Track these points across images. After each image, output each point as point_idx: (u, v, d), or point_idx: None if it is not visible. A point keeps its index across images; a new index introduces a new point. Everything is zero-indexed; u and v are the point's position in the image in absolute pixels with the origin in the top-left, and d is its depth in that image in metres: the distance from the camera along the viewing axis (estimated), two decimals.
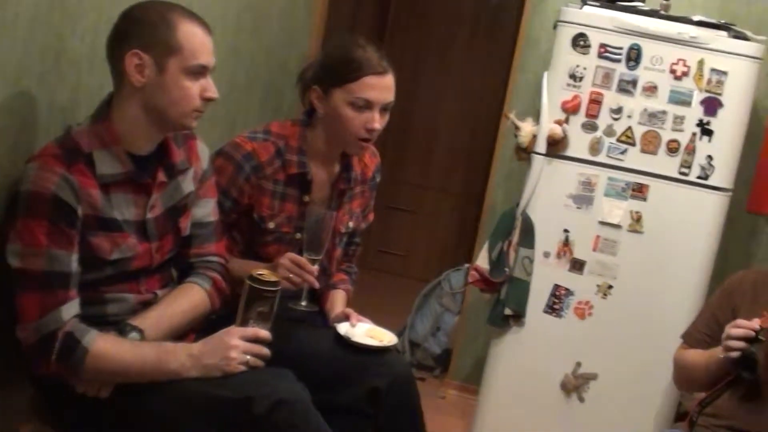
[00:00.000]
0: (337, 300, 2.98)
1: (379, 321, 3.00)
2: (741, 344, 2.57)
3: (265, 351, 2.36)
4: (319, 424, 2.38)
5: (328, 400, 2.64)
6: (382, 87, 2.64)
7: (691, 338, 2.92)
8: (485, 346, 3.82)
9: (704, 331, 2.87)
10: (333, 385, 2.69)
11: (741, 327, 2.59)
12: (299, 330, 2.75)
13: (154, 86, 2.18)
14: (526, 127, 3.51)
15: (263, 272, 2.35)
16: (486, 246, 3.59)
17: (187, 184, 2.42)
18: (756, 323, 2.55)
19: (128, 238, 2.24)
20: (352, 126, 2.66)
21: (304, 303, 2.72)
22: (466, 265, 3.70)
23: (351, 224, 2.94)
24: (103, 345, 2.13)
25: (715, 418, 2.73)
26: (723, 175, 3.53)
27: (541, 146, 3.49)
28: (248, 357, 2.30)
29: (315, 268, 2.64)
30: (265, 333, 2.37)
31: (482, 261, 3.58)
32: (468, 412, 4.07)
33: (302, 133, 2.75)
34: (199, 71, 2.23)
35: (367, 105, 2.63)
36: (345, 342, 2.75)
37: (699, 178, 3.52)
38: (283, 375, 2.40)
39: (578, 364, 3.65)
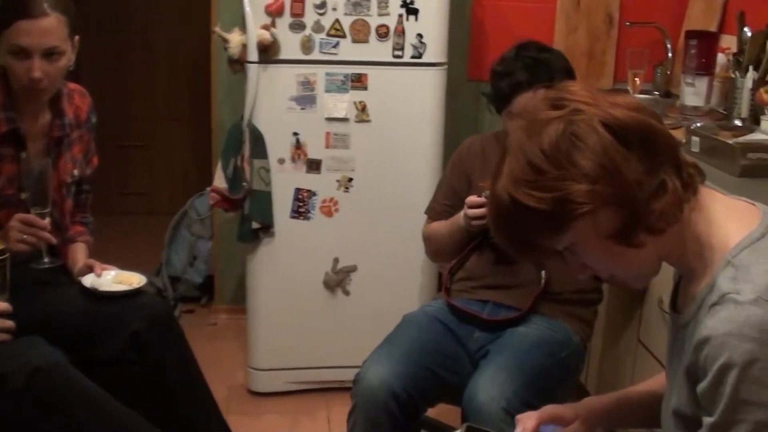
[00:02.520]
0: (78, 253, 2.88)
1: (132, 264, 2.94)
2: (479, 219, 2.67)
3: (8, 323, 2.26)
4: (81, 384, 2.33)
5: (89, 356, 2.59)
6: (37, 31, 2.46)
7: (433, 212, 3.01)
8: (244, 264, 3.80)
9: (445, 202, 2.97)
10: (90, 340, 2.62)
11: (473, 206, 2.69)
12: (44, 293, 2.65)
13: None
14: (234, 38, 3.44)
15: None
16: (219, 165, 3.53)
17: None
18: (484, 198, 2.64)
19: None
20: (15, 75, 2.52)
21: (46, 260, 2.63)
22: (208, 189, 3.63)
23: (76, 172, 2.83)
24: None
25: (469, 280, 2.84)
26: (435, 50, 3.57)
27: (253, 54, 3.43)
28: None
29: (46, 222, 2.53)
30: (3, 305, 2.27)
31: (219, 181, 3.53)
32: (241, 332, 4.06)
33: (3, 86, 2.59)
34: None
35: (24, 52, 2.47)
36: (93, 294, 2.68)
37: (413, 57, 3.55)
38: (33, 343, 2.32)
39: (336, 260, 3.69)
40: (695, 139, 3.00)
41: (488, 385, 2.41)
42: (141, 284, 2.75)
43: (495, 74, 2.76)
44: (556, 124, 1.43)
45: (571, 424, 1.80)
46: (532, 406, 2.40)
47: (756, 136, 2.93)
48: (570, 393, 2.77)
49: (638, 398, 1.86)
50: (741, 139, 2.88)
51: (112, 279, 2.76)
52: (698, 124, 3.14)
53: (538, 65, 2.68)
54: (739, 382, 1.31)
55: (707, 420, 1.37)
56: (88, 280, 2.72)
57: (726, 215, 1.49)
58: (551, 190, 1.40)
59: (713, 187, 1.57)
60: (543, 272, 2.74)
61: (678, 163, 1.47)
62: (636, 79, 3.69)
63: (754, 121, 3.18)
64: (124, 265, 2.87)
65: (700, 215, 1.49)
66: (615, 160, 1.40)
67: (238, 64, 3.50)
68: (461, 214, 2.77)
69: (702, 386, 1.37)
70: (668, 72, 4.08)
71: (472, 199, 2.70)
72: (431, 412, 2.71)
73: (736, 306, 1.34)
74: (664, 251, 1.49)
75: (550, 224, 1.43)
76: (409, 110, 3.61)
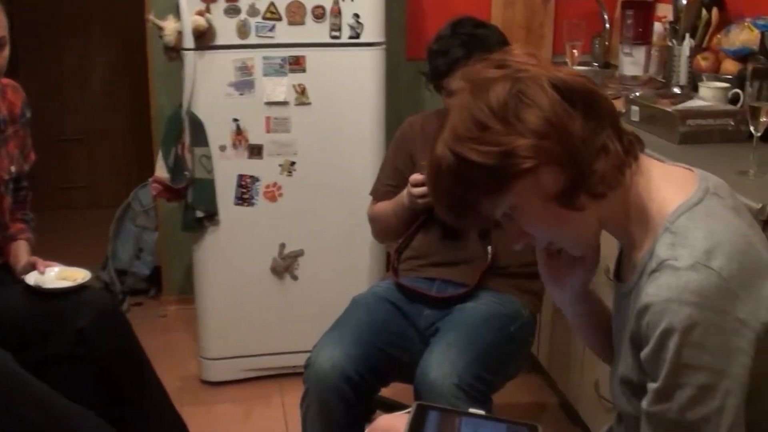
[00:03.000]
0: (20, 251, 2.85)
1: (77, 259, 2.91)
2: (423, 197, 2.67)
3: None
4: (30, 384, 2.30)
5: (37, 355, 2.56)
6: None
7: (378, 193, 3.01)
8: (191, 253, 3.77)
9: (389, 183, 2.97)
10: (37, 338, 2.59)
11: (417, 184, 2.69)
12: None
13: None
14: (169, 25, 3.39)
15: None
16: (160, 155, 3.50)
17: None
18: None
19: None
20: None
21: None
22: (150, 179, 3.59)
23: (13, 168, 2.79)
24: None
25: (416, 259, 2.85)
26: (373, 30, 3.55)
27: (189, 41, 3.39)
28: None
29: None
30: None
31: (160, 171, 3.49)
32: (191, 323, 4.03)
33: None
34: None
35: None
36: (37, 291, 2.65)
37: (351, 38, 3.53)
38: None
39: (282, 246, 3.67)
40: (635, 108, 3.03)
41: (439, 362, 2.42)
42: (85, 280, 2.72)
43: (431, 52, 2.76)
44: (503, 82, 1.43)
45: None
46: (484, 381, 2.42)
47: (694, 103, 2.96)
48: (522, 365, 2.79)
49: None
50: (680, 106, 2.91)
51: (55, 276, 2.73)
52: (637, 94, 3.17)
53: (474, 41, 2.68)
54: (680, 347, 1.32)
55: (651, 385, 1.38)
56: (31, 278, 2.68)
57: (664, 182, 1.50)
58: (496, 144, 1.39)
59: (653, 155, 1.58)
60: (489, 247, 2.75)
61: (619, 128, 1.48)
62: (574, 51, 3.70)
63: (692, 88, 3.21)
64: (69, 261, 2.84)
65: (640, 182, 1.49)
66: (562, 118, 1.40)
67: (174, 51, 3.46)
68: (405, 192, 2.77)
69: (645, 352, 1.38)
70: (606, 43, 4.11)
71: (416, 177, 2.70)
72: (385, 392, 2.71)
73: (675, 272, 1.34)
74: (605, 217, 1.50)
75: (492, 182, 1.42)
76: (349, 91, 3.59)
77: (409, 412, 1.75)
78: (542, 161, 1.40)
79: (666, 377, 1.35)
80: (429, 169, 1.50)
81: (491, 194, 1.44)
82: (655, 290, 1.36)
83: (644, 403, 1.40)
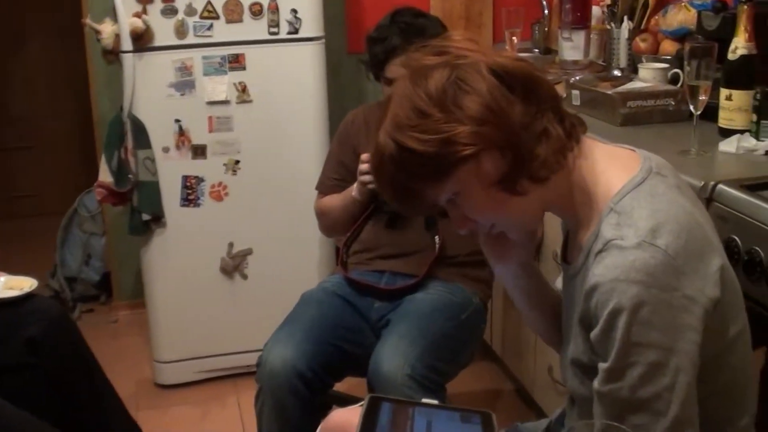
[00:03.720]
0: None
1: (25, 268, 2.88)
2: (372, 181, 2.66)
3: None
4: None
5: None
6: None
7: (324, 187, 3.00)
8: (139, 257, 3.73)
9: (334, 176, 2.96)
10: None
11: (367, 161, 2.67)
12: None
13: None
14: (106, 28, 3.36)
15: None
16: (103, 159, 3.46)
17: None
18: None
19: None
20: None
21: None
22: (95, 184, 3.56)
23: None
24: None
25: (364, 252, 2.85)
26: (311, 25, 3.54)
27: (127, 44, 3.36)
28: None
29: None
30: None
31: (104, 175, 3.45)
32: (143, 327, 4.00)
33: None
34: None
35: None
36: None
37: (290, 33, 3.52)
38: None
39: (231, 245, 3.65)
40: (575, 92, 3.04)
41: (391, 354, 2.41)
42: (32, 288, 2.69)
43: (370, 40, 2.77)
44: (442, 69, 1.42)
45: None
46: (437, 370, 2.42)
47: (635, 85, 2.98)
48: (475, 353, 2.80)
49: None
50: (620, 88, 2.93)
51: (2, 285, 2.70)
52: (578, 78, 3.18)
53: (412, 29, 2.69)
54: (629, 326, 1.33)
55: (602, 365, 1.38)
56: None
57: (608, 163, 1.51)
58: (436, 132, 1.39)
59: (595, 138, 1.58)
60: (437, 237, 2.75)
61: (560, 112, 1.48)
62: (514, 38, 3.71)
63: (633, 70, 3.23)
64: (17, 270, 2.80)
65: (583, 164, 1.49)
66: (501, 104, 1.40)
67: (113, 54, 3.43)
68: (354, 186, 2.77)
69: (595, 333, 1.38)
70: (546, 29, 4.12)
71: (365, 157, 2.67)
72: (341, 387, 2.71)
73: (621, 251, 1.35)
74: (548, 200, 1.50)
75: (434, 169, 1.42)
76: (290, 87, 3.57)
77: (362, 405, 1.74)
78: (482, 147, 1.40)
79: (616, 357, 1.35)
80: (372, 158, 1.49)
81: (434, 181, 1.44)
82: (602, 270, 1.36)
83: (596, 384, 1.40)
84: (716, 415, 1.48)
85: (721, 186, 2.13)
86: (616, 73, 3.29)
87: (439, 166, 1.42)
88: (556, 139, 1.44)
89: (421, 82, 1.43)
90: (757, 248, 1.95)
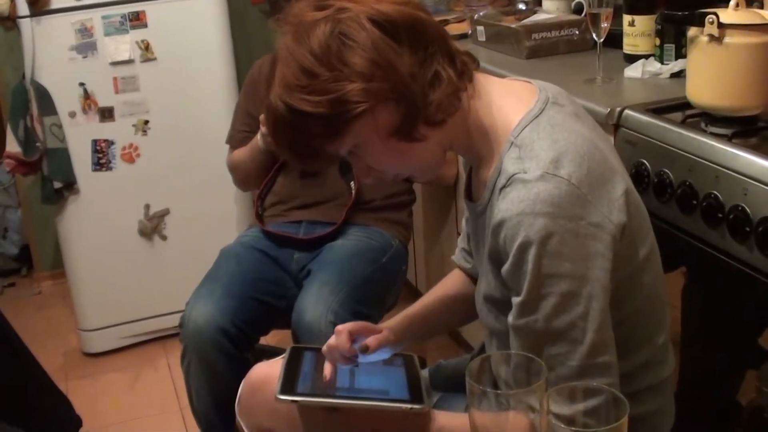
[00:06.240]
0: None
1: None
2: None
3: None
4: None
5: None
6: None
7: (234, 140, 2.96)
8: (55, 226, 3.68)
9: (243, 129, 2.92)
10: None
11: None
12: None
13: None
14: None
15: None
16: (9, 128, 3.39)
17: None
18: None
19: None
20: None
21: None
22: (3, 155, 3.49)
23: None
24: None
25: (280, 204, 2.83)
26: None
27: (23, 8, 3.27)
28: None
29: None
30: None
31: (11, 145, 3.38)
32: (67, 297, 3.94)
33: None
34: None
35: None
36: None
37: None
38: None
39: (147, 207, 3.61)
40: (480, 28, 3.04)
41: (314, 303, 2.41)
42: None
43: None
44: (323, 24, 1.40)
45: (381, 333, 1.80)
46: (361, 315, 2.42)
47: (539, 17, 2.98)
48: (399, 295, 2.81)
49: (438, 303, 1.88)
50: (524, 21, 2.93)
51: None
52: (482, 14, 3.17)
53: None
54: (538, 258, 1.33)
55: (516, 299, 1.39)
56: None
57: (505, 97, 1.50)
58: (326, 92, 1.37)
59: (493, 71, 1.58)
60: (352, 183, 2.74)
61: (450, 52, 1.47)
62: None
63: (537, 2, 3.23)
64: None
65: (480, 101, 1.49)
66: (387, 55, 1.38)
67: (10, 21, 3.35)
68: (258, 135, 2.74)
69: (505, 268, 1.39)
70: None
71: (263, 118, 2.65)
72: (271, 340, 2.70)
73: (525, 185, 1.35)
74: (448, 142, 1.50)
75: (329, 128, 1.40)
76: (194, 42, 3.53)
77: (283, 357, 1.74)
78: (375, 102, 1.38)
79: (528, 290, 1.36)
80: (266, 118, 1.47)
81: (330, 139, 1.43)
82: (507, 205, 1.36)
83: (510, 318, 1.41)
84: (634, 337, 1.51)
85: (627, 111, 2.14)
86: (521, 6, 3.28)
87: (333, 125, 1.40)
88: (449, 82, 1.43)
89: (303, 40, 1.39)
90: (666, 170, 1.97)
